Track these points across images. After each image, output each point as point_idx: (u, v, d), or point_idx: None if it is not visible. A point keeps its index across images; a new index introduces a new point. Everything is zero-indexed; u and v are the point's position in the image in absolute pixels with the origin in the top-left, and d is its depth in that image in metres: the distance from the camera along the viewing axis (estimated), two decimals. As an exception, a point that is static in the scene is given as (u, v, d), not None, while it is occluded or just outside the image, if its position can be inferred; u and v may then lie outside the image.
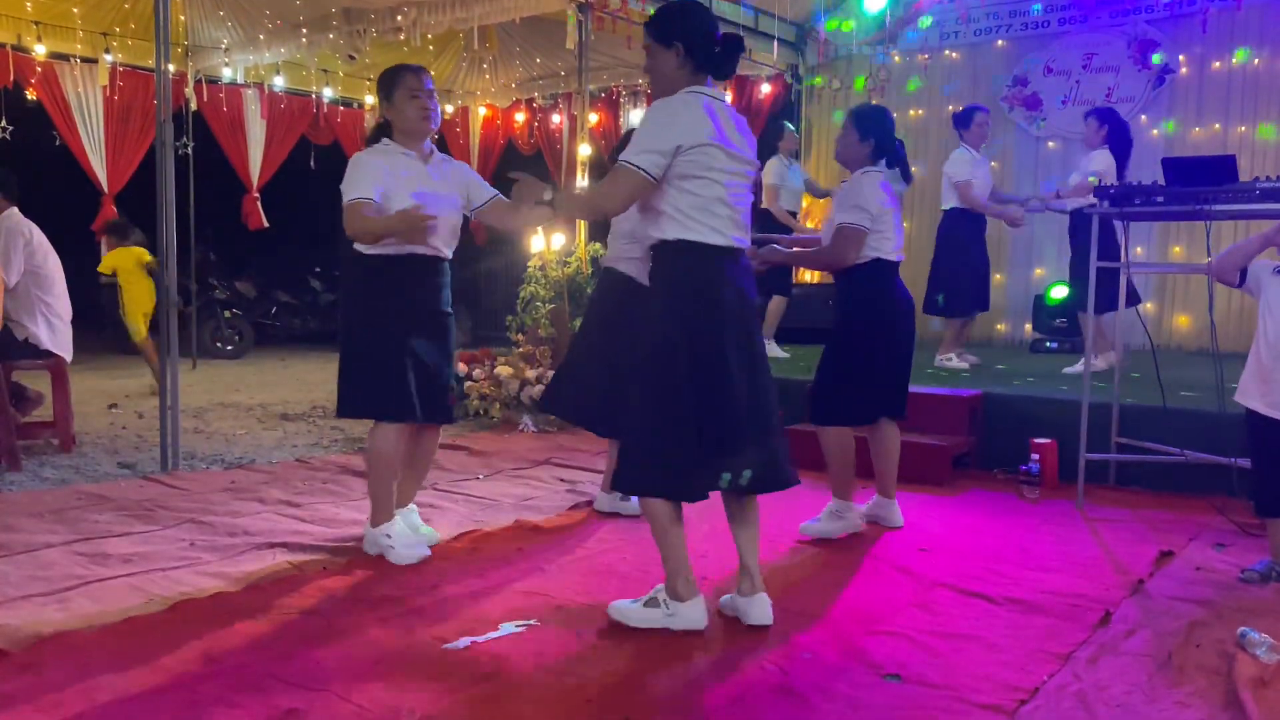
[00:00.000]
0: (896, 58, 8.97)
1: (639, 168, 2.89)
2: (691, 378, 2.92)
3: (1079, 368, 6.59)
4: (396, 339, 3.62)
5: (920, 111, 9.07)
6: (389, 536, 3.69)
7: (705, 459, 2.94)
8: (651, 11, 4.68)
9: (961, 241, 6.68)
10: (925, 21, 8.77)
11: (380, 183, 3.53)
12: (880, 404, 4.15)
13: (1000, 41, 8.71)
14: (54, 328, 5.61)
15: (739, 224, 3.01)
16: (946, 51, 8.95)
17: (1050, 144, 8.48)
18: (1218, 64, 7.75)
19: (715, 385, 2.92)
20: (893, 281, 4.09)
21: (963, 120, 6.73)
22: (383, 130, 3.70)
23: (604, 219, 3.83)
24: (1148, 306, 7.33)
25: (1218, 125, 7.75)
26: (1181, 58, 7.86)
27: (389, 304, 3.62)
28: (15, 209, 5.58)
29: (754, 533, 3.14)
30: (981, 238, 6.78)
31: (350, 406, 3.73)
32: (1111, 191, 4.47)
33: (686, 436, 2.91)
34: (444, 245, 3.71)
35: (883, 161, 4.06)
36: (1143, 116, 7.96)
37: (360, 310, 3.68)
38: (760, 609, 3.05)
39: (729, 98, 9.57)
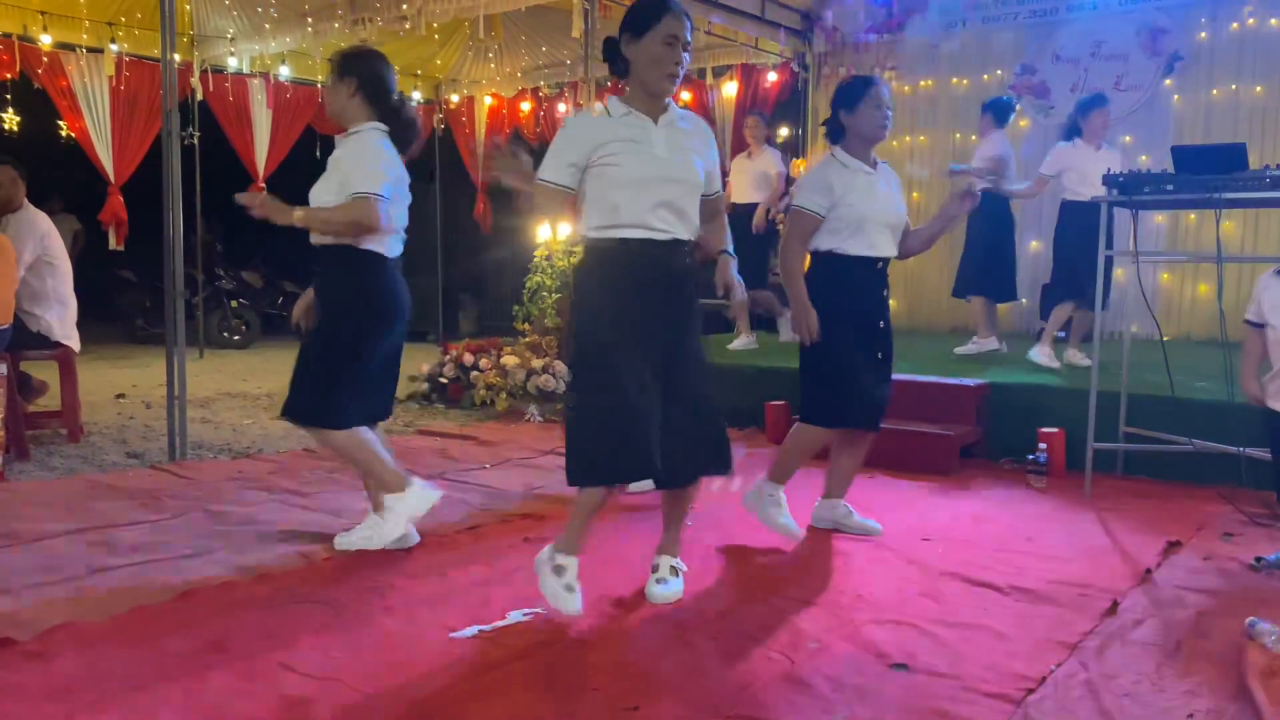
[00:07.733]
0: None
1: None
2: None
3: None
4: None
5: (929, 100, 9.02)
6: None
7: None
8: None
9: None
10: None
11: None
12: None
13: (1008, 28, 8.64)
14: (64, 319, 5.63)
15: None
16: (954, 39, 8.89)
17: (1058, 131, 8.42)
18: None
19: None
20: None
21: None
22: None
23: None
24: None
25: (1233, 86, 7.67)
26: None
27: None
28: (27, 202, 5.62)
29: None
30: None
31: None
32: (1121, 179, 4.43)
33: None
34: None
35: None
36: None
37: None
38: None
39: (735, 87, 9.65)
